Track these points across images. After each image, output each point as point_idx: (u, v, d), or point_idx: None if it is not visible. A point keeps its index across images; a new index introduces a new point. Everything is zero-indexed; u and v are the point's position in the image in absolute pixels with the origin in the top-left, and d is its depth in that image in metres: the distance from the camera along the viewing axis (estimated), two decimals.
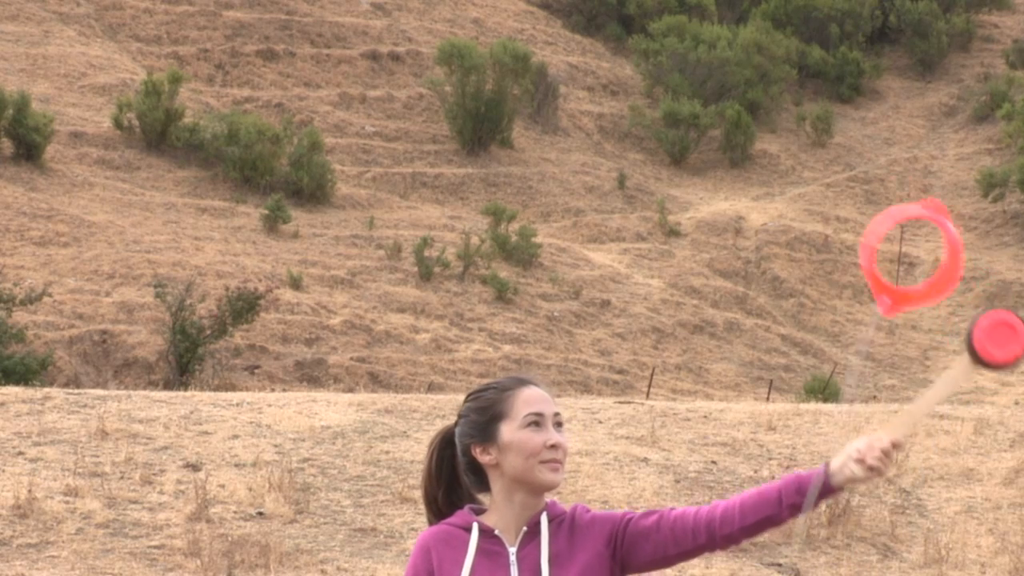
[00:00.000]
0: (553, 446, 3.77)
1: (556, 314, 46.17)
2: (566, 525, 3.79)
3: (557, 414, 3.83)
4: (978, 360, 3.72)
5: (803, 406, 18.47)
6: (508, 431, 3.79)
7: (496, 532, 3.79)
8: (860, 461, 3.67)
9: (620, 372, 42.94)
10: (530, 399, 3.82)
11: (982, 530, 13.42)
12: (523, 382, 3.87)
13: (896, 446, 3.72)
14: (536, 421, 3.79)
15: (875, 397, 40.38)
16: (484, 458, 3.82)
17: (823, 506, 13.25)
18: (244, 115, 54.15)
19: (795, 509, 3.67)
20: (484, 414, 3.84)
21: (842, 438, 15.97)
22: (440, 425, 16.08)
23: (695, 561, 12.12)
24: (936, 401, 3.82)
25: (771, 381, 41.71)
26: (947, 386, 3.78)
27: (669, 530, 3.74)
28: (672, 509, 3.78)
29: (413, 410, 16.11)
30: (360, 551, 12.02)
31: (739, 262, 53.26)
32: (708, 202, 58.73)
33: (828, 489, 3.68)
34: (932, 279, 3.80)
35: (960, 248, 3.78)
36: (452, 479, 3.92)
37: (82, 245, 43.41)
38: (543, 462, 3.77)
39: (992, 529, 13.44)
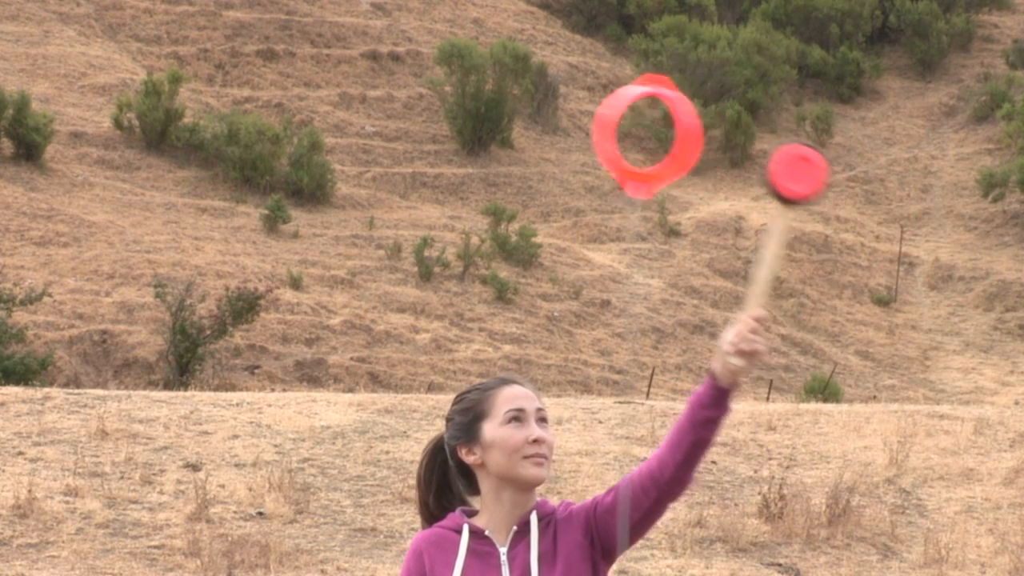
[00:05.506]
0: (535, 441, 3.78)
1: (556, 314, 46.16)
2: (553, 523, 3.80)
3: (540, 409, 3.84)
4: (783, 200, 3.68)
5: (803, 406, 18.46)
6: (490, 429, 3.81)
7: (486, 533, 3.80)
8: (736, 352, 3.63)
9: (620, 372, 42.94)
10: (510, 396, 3.84)
11: (982, 530, 13.41)
12: (505, 381, 3.90)
13: (759, 320, 3.65)
14: (517, 417, 3.81)
15: (875, 397, 40.36)
16: (469, 458, 3.85)
17: (824, 506, 13.24)
18: (244, 115, 54.14)
19: (711, 423, 3.66)
20: (467, 415, 3.87)
21: (842, 438, 15.97)
22: (440, 425, 16.09)
23: (695, 561, 12.12)
24: (773, 261, 3.74)
25: (771, 381, 41.71)
26: (776, 241, 3.74)
27: (622, 499, 3.75)
28: (625, 476, 3.79)
29: (413, 410, 16.12)
30: (360, 551, 12.02)
31: (739, 262, 53.25)
32: (708, 202, 58.73)
33: (723, 391, 3.65)
34: (673, 153, 3.79)
35: (692, 115, 3.77)
36: (443, 484, 3.94)
37: (82, 245, 43.41)
38: (526, 457, 3.78)
39: (992, 529, 13.44)
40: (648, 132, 63.49)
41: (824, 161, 3.67)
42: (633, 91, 3.81)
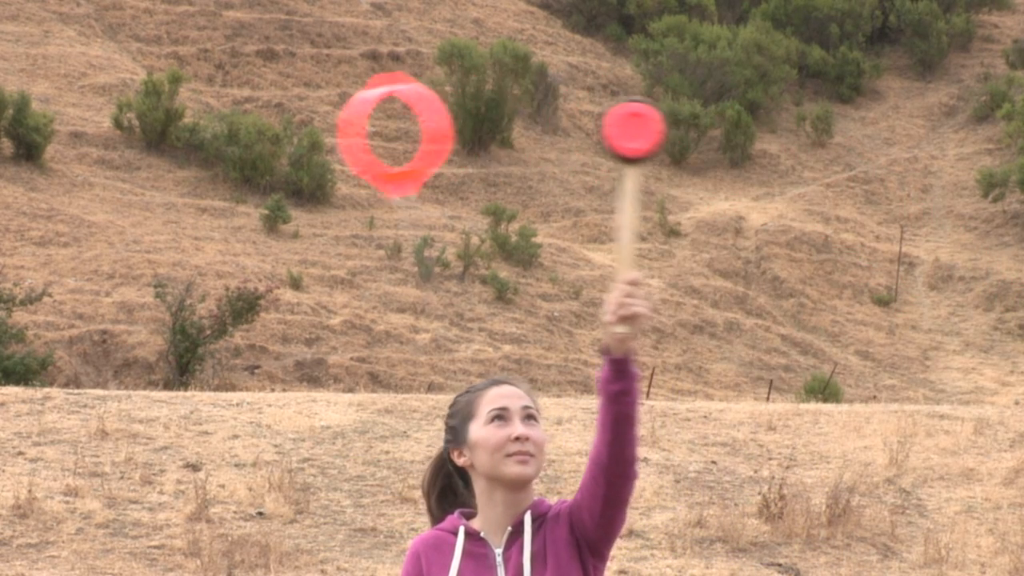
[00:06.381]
0: (517, 439, 3.78)
1: (556, 314, 46.16)
2: (546, 522, 3.81)
3: (527, 407, 3.85)
4: (625, 160, 3.66)
5: (803, 406, 18.46)
6: (475, 430, 3.84)
7: (482, 534, 3.81)
8: (618, 319, 3.62)
9: None
10: (495, 396, 3.86)
11: (982, 530, 13.41)
12: (496, 382, 3.92)
13: (633, 283, 3.63)
14: (500, 415, 3.82)
15: (875, 397, 40.35)
16: (460, 460, 3.88)
17: (824, 506, 13.23)
18: (244, 115, 54.14)
19: (622, 395, 3.69)
20: (456, 418, 3.91)
21: (842, 438, 15.97)
22: (440, 425, 16.11)
23: (695, 561, 12.12)
24: (630, 223, 3.72)
25: (771, 381, 41.70)
26: (630, 202, 3.71)
27: (583, 491, 3.78)
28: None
29: (413, 410, 16.12)
30: (360, 551, 12.01)
31: (739, 262, 53.25)
32: (708, 202, 58.72)
33: (620, 361, 3.66)
34: (423, 148, 3.79)
35: (437, 108, 3.76)
36: (446, 488, 3.97)
37: (82, 245, 43.40)
38: (508, 455, 3.78)
39: (992, 529, 13.43)
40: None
41: (656, 112, 3.65)
42: (373, 93, 3.81)
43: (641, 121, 3.63)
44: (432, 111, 3.75)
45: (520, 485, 3.80)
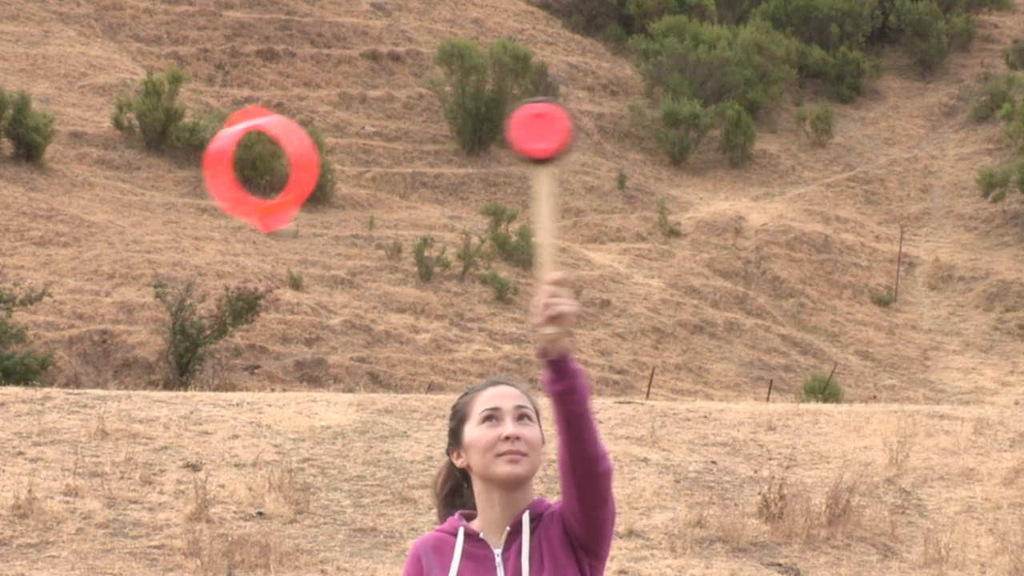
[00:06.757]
0: (508, 438, 3.78)
1: None
2: (543, 522, 3.81)
3: (521, 407, 3.85)
4: (535, 161, 3.66)
5: (803, 406, 18.46)
6: (468, 430, 3.85)
7: (481, 535, 3.81)
8: (545, 321, 3.63)
9: (620, 372, 42.93)
10: (489, 397, 3.87)
11: (982, 530, 13.41)
12: (492, 383, 3.94)
13: (557, 283, 3.65)
14: (491, 416, 3.83)
15: (875, 397, 40.35)
16: (458, 462, 3.90)
17: (824, 506, 13.23)
18: None
19: (567, 394, 3.66)
20: (455, 420, 3.93)
21: (842, 438, 15.97)
22: (440, 425, 16.11)
23: (695, 561, 12.12)
24: (548, 223, 3.71)
25: (771, 381, 41.69)
26: (544, 203, 3.70)
27: (562, 496, 3.78)
28: None
29: (413, 410, 16.12)
30: (360, 551, 12.01)
31: (739, 262, 53.24)
32: (708, 202, 58.72)
33: (556, 362, 3.66)
34: (291, 180, 3.79)
35: (301, 141, 3.75)
36: (453, 490, 3.99)
37: (82, 245, 43.40)
38: (499, 455, 3.78)
39: (992, 529, 13.43)
40: (648, 132, 63.47)
41: (561, 110, 3.65)
42: (237, 128, 3.81)
43: (546, 121, 3.63)
44: (296, 140, 3.75)
45: (513, 485, 3.79)
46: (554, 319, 3.62)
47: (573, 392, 3.66)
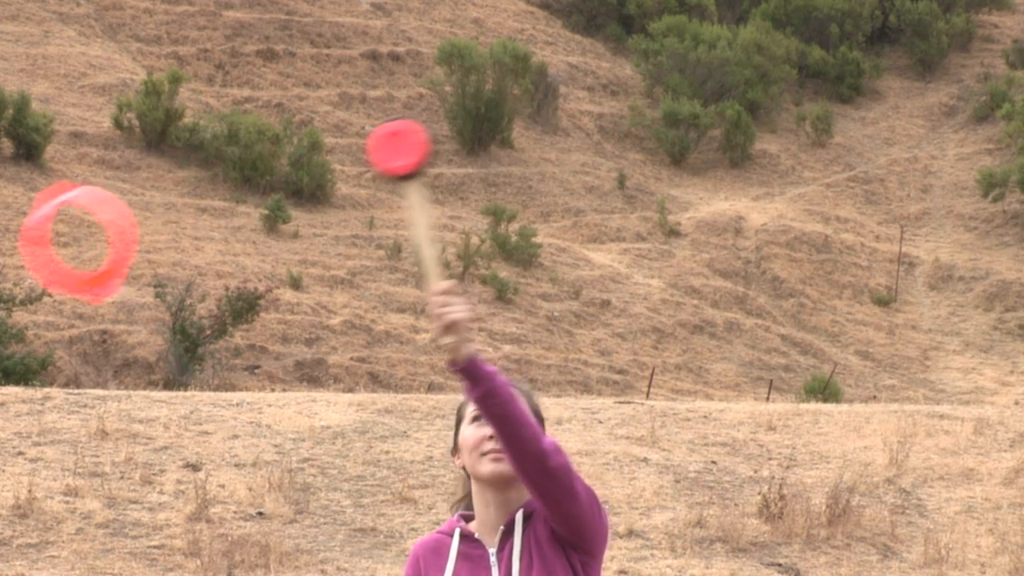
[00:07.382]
0: (492, 436, 3.80)
1: (556, 314, 46.15)
2: (533, 520, 3.84)
3: None
4: (398, 178, 3.68)
5: (803, 406, 18.46)
6: (461, 431, 3.92)
7: (476, 535, 3.84)
8: (442, 331, 3.65)
9: (620, 372, 42.93)
10: None
11: (982, 530, 13.41)
12: None
13: (444, 292, 3.66)
14: (479, 415, 3.85)
15: (875, 397, 40.35)
16: (458, 463, 3.96)
17: (824, 506, 13.23)
18: (244, 115, 54.13)
19: (488, 398, 3.68)
20: (455, 423, 3.99)
21: (842, 438, 15.97)
22: (440, 425, 16.11)
23: (695, 561, 12.12)
24: (424, 237, 3.73)
25: (771, 381, 41.69)
26: (418, 215, 3.72)
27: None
28: None
29: (413, 410, 16.11)
30: (360, 551, 12.01)
31: (739, 262, 53.24)
32: (708, 202, 58.72)
33: (466, 369, 3.69)
34: (113, 248, 3.79)
35: (110, 199, 3.76)
36: (462, 499, 4.04)
37: (82, 245, 43.40)
38: (483, 454, 3.83)
39: (992, 529, 13.43)
40: (648, 132, 63.48)
41: (415, 124, 3.67)
42: (49, 206, 3.82)
43: (401, 138, 3.66)
44: (109, 208, 3.76)
45: (500, 483, 3.81)
46: (449, 328, 3.63)
47: (493, 394, 3.67)
